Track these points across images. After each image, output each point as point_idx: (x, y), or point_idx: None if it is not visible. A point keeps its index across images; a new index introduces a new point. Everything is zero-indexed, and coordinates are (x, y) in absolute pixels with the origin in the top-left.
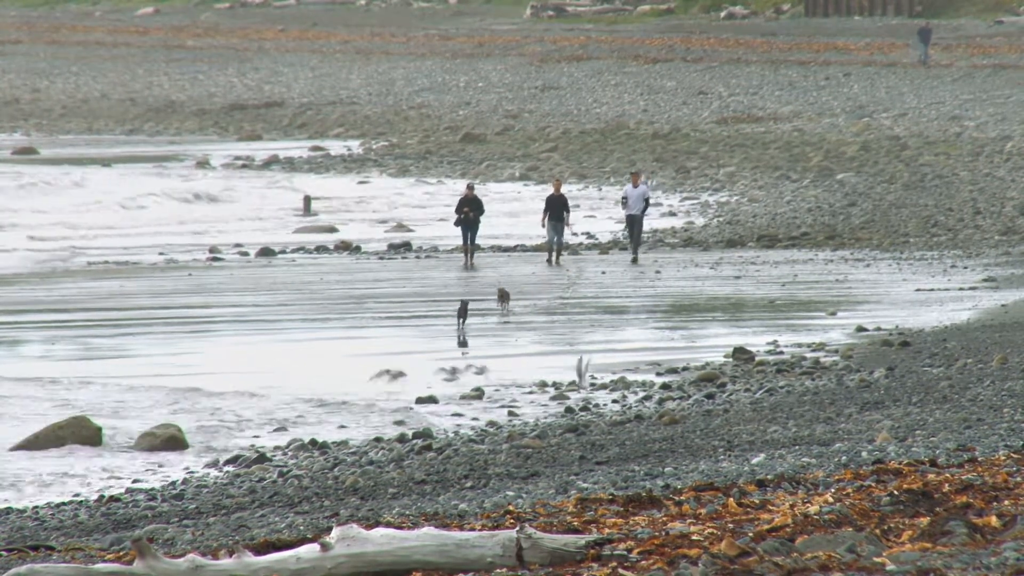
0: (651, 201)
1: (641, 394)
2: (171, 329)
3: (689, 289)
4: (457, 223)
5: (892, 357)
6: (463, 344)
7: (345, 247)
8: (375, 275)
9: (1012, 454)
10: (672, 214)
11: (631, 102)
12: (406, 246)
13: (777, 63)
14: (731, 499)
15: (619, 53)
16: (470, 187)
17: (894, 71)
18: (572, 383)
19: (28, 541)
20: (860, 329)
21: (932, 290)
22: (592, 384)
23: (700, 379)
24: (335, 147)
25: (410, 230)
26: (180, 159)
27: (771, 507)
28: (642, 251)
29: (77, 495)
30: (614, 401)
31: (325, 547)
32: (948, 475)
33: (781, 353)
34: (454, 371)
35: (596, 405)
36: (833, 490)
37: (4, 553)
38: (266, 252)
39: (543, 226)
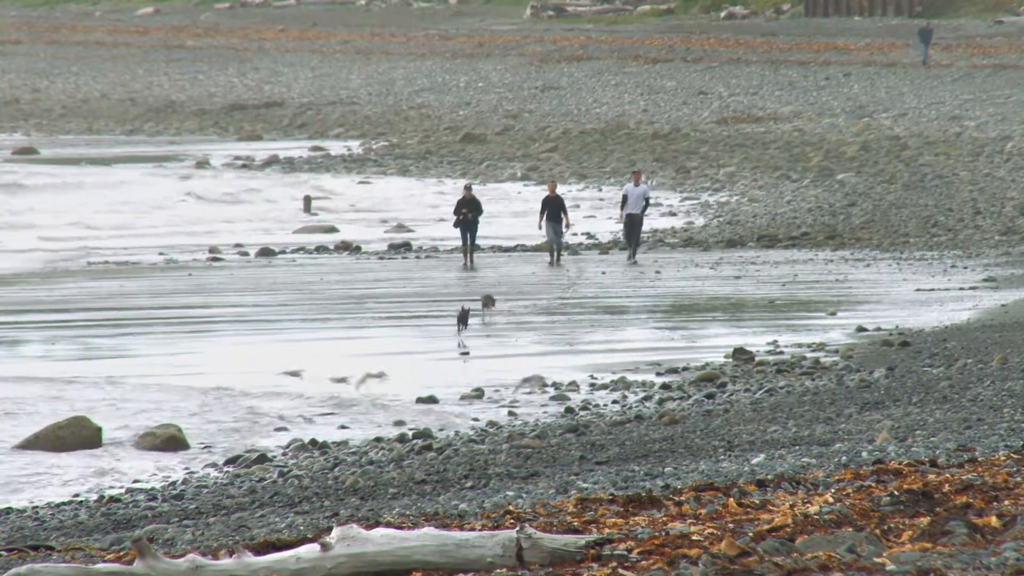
0: (651, 201)
1: (641, 394)
2: (171, 329)
3: (689, 289)
4: (456, 224)
5: (892, 357)
6: (464, 352)
7: (345, 247)
8: (375, 275)
9: (1012, 454)
10: (672, 214)
11: (631, 102)
12: (406, 246)
13: (777, 63)
14: (731, 499)
15: (619, 53)
16: (468, 188)
17: (894, 71)
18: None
19: (28, 541)
20: (860, 329)
21: (932, 290)
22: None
23: (700, 379)
24: (335, 147)
25: (410, 230)
26: (180, 159)
27: (771, 507)
28: (642, 251)
29: (77, 495)
30: (614, 401)
31: (325, 547)
32: (948, 475)
33: (781, 353)
34: (455, 371)
35: (596, 405)
36: (833, 490)
37: (4, 553)
38: (266, 252)
39: (540, 227)
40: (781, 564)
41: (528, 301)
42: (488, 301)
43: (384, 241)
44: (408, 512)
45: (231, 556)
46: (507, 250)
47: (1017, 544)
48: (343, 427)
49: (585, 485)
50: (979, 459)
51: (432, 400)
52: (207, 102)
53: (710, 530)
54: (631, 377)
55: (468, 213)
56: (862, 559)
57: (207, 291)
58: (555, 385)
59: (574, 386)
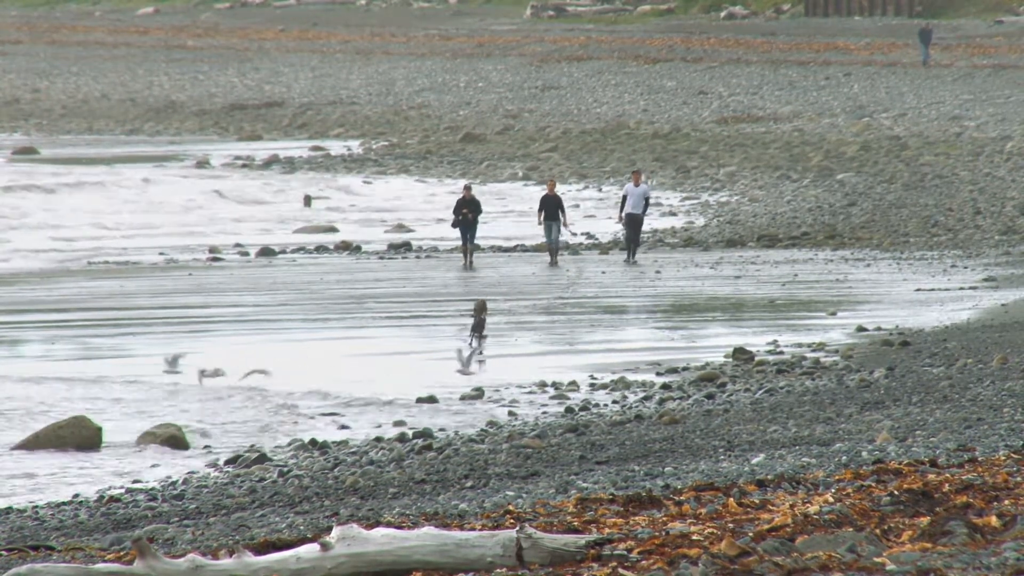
0: (651, 201)
1: (641, 394)
2: (171, 329)
3: (689, 289)
4: (455, 224)
5: (892, 357)
6: (479, 358)
7: (345, 247)
8: (375, 275)
9: (1012, 454)
10: (672, 214)
11: (631, 102)
12: (406, 246)
13: (777, 63)
14: (731, 499)
15: (619, 53)
16: (468, 188)
17: (894, 71)
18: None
19: (28, 541)
20: (860, 329)
21: (932, 290)
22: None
23: (700, 379)
24: (335, 147)
25: (410, 230)
26: (180, 159)
27: (771, 507)
28: (642, 251)
29: (77, 495)
30: (614, 401)
31: (325, 547)
32: (948, 475)
33: (781, 353)
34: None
35: (596, 405)
36: (833, 490)
37: (4, 553)
38: (266, 252)
39: (539, 225)
40: (781, 564)
41: (528, 301)
42: (480, 308)
43: (384, 241)
44: (408, 512)
45: (231, 556)
46: (507, 250)
47: (1017, 544)
48: (343, 427)
49: (585, 485)
50: (979, 459)
51: (432, 400)
52: (207, 102)
53: (710, 530)
54: (631, 377)
55: (468, 213)
56: (862, 559)
57: (207, 291)
58: (555, 385)
59: (574, 386)
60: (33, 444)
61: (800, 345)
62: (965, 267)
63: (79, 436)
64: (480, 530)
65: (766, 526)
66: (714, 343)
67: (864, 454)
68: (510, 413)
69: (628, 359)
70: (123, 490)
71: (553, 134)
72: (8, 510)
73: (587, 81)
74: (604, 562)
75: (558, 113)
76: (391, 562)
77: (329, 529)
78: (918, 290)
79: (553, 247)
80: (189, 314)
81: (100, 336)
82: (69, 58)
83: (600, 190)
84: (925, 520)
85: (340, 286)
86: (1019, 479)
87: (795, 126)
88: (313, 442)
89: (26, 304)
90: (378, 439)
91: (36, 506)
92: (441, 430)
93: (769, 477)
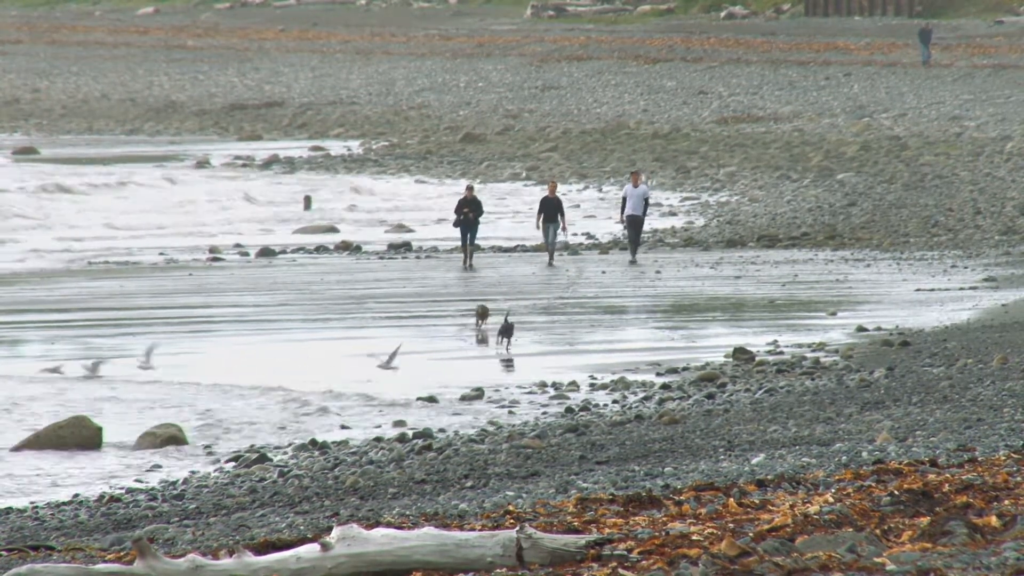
0: (651, 201)
1: (641, 394)
2: (171, 329)
3: (689, 289)
4: (456, 224)
5: (892, 357)
6: (507, 360)
7: (345, 247)
8: (375, 275)
9: (1012, 454)
10: (672, 214)
11: (631, 102)
12: (406, 246)
13: (777, 63)
14: (731, 499)
15: (619, 53)
16: (470, 188)
17: (894, 71)
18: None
19: (28, 541)
20: (860, 329)
21: (932, 290)
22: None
23: (700, 379)
24: (335, 147)
25: (410, 230)
26: (180, 159)
27: (771, 507)
28: (642, 251)
29: (77, 495)
30: (614, 401)
31: (325, 547)
32: (948, 475)
33: (781, 353)
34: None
35: (596, 405)
36: (833, 490)
37: (4, 553)
38: (266, 252)
39: (538, 228)
40: (781, 564)
41: (528, 301)
42: (483, 313)
43: (384, 241)
44: (408, 512)
45: (231, 556)
46: (507, 250)
47: (1017, 544)
48: (343, 427)
49: (585, 485)
50: (979, 459)
51: (432, 400)
52: (207, 102)
53: (710, 530)
54: (631, 377)
55: (469, 213)
56: (862, 559)
57: (207, 291)
58: (555, 385)
59: (574, 386)
60: (33, 444)
61: (800, 345)
62: (965, 267)
63: (79, 436)
64: (480, 530)
65: (766, 526)
66: (714, 343)
67: (864, 454)
68: (510, 413)
69: (628, 359)
70: (123, 490)
71: (553, 134)
72: (8, 510)
73: (587, 81)
74: (604, 562)
75: (558, 113)
76: (391, 562)
77: (329, 529)
78: (918, 290)
79: (551, 248)
80: (189, 314)
81: (100, 336)
82: (69, 58)
83: (600, 190)
84: (925, 520)
85: (340, 286)
86: (1019, 479)
87: (795, 126)
88: (313, 442)
89: (26, 304)
90: (378, 439)
91: (36, 506)
92: (441, 430)
93: (769, 477)
